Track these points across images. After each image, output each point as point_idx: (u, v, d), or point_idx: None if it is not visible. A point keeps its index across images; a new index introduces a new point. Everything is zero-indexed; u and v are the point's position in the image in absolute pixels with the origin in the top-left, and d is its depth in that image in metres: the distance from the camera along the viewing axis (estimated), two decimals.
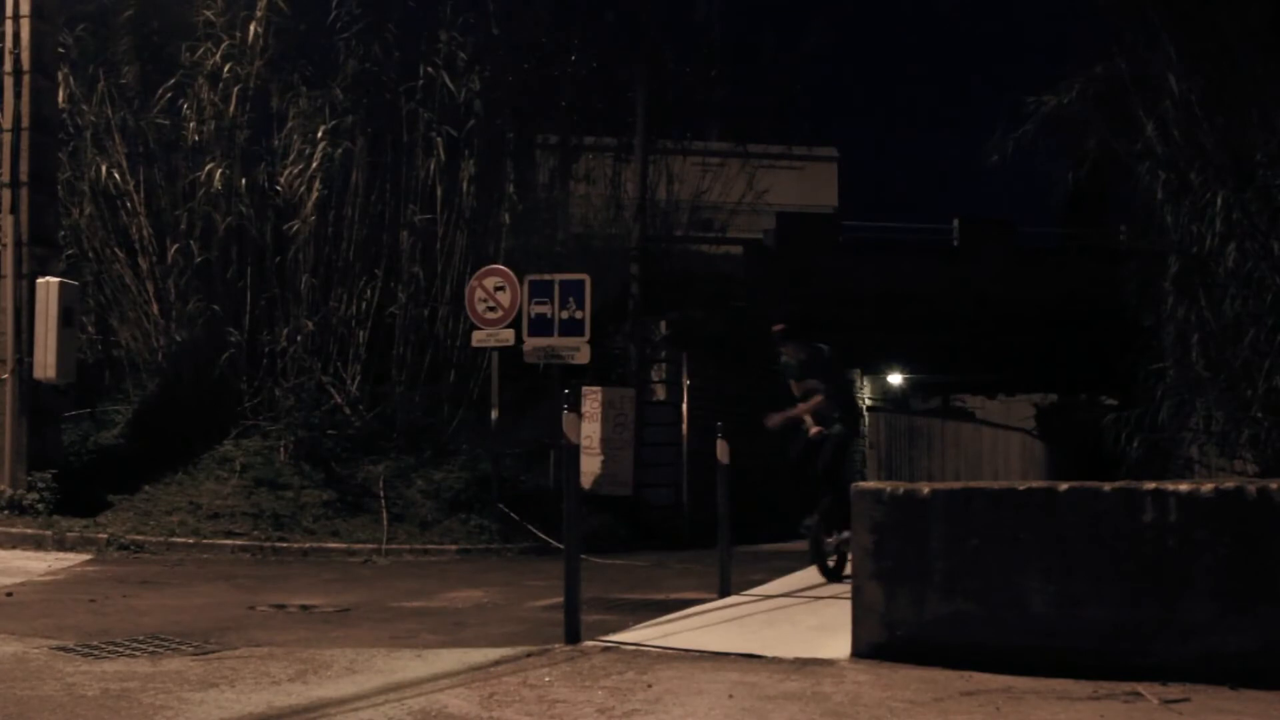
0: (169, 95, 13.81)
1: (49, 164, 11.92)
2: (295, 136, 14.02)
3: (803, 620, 6.82)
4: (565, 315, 13.42)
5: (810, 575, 9.40)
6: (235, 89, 13.81)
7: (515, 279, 13.36)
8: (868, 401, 27.05)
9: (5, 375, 11.27)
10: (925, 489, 5.36)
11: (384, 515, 12.32)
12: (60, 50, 12.80)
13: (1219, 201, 9.48)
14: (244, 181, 13.88)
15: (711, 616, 6.96)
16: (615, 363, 15.89)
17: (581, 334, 13.39)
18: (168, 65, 13.96)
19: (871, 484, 5.69)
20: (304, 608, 7.62)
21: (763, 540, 13.48)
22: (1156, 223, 10.61)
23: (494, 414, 13.26)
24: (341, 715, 4.24)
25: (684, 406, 15.78)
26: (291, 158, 13.97)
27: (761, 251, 21.00)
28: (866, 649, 5.29)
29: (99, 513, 11.24)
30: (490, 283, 13.36)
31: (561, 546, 6.36)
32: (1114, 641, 4.85)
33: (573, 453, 6.21)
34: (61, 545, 10.48)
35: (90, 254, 13.72)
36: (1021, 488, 5.25)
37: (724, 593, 7.95)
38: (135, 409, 13.39)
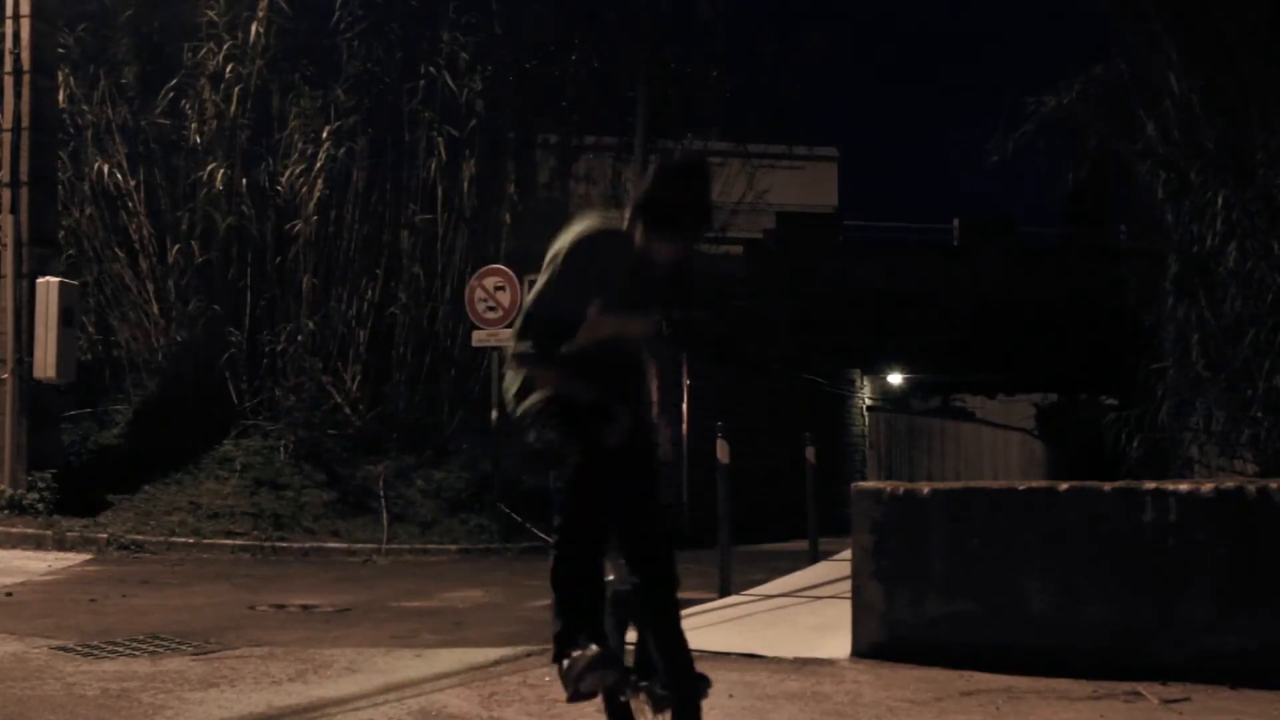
0: (170, 95, 13.82)
1: (49, 164, 11.93)
2: (297, 137, 14.02)
3: (803, 620, 6.82)
4: None
5: (810, 575, 9.40)
6: (236, 89, 13.81)
7: (515, 279, 13.35)
8: (868, 401, 27.05)
9: (5, 375, 11.27)
10: (925, 489, 5.37)
11: (384, 515, 12.32)
12: (60, 50, 12.81)
13: (1219, 201, 9.47)
14: (245, 182, 13.89)
15: (711, 616, 6.95)
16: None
17: None
18: (168, 65, 13.96)
19: (871, 484, 5.69)
20: (304, 608, 7.62)
21: (763, 540, 13.48)
22: (1156, 223, 10.60)
23: (494, 414, 13.26)
24: (342, 715, 4.24)
25: (684, 406, 15.78)
26: (294, 158, 13.97)
27: (762, 251, 21.00)
28: (866, 649, 5.29)
29: (99, 512, 11.24)
30: (490, 283, 13.35)
31: None
32: (1114, 641, 4.85)
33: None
34: (61, 545, 10.48)
35: (90, 254, 13.72)
36: (1021, 488, 5.25)
37: (724, 593, 7.95)
38: (135, 409, 13.39)
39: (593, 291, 3.38)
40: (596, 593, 3.70)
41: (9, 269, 11.40)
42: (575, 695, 3.42)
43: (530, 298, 3.45)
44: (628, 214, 3.43)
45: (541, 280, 3.42)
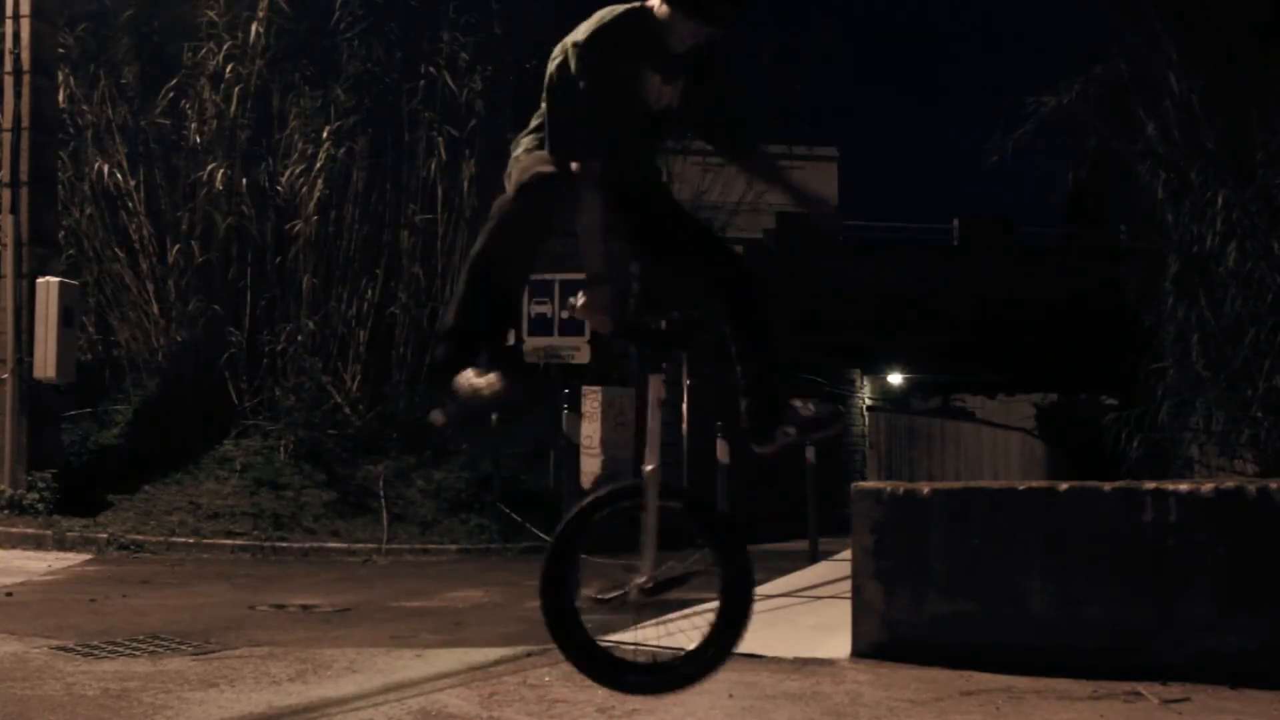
0: (170, 95, 13.82)
1: (49, 164, 11.93)
2: (297, 137, 14.03)
3: (803, 620, 6.81)
4: (565, 315, 13.42)
5: (810, 575, 9.39)
6: (236, 89, 13.82)
7: None
8: (868, 401, 27.05)
9: (5, 375, 11.27)
10: (925, 489, 5.37)
11: (384, 515, 12.32)
12: (60, 50, 12.81)
13: (1219, 201, 9.47)
14: (245, 182, 13.90)
15: (711, 616, 6.94)
16: (615, 363, 15.89)
17: (581, 334, 13.39)
18: (168, 65, 13.96)
19: (871, 484, 5.69)
20: (304, 608, 7.62)
21: (763, 540, 13.47)
22: (1156, 223, 10.59)
23: (494, 415, 13.25)
24: (341, 715, 4.24)
25: (684, 406, 15.77)
26: (294, 158, 13.98)
27: (761, 251, 20.98)
28: (866, 649, 5.29)
29: (99, 512, 11.24)
30: None
31: None
32: (1114, 641, 4.85)
33: (572, 452, 6.21)
34: (61, 545, 10.49)
35: (90, 254, 13.73)
36: (1021, 488, 5.25)
37: None
38: (135, 409, 13.39)
39: (633, 75, 3.28)
40: (507, 315, 3.58)
41: (9, 269, 11.40)
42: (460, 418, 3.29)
43: (558, 103, 3.28)
44: None
45: (579, 79, 3.22)
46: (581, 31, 3.28)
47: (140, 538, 10.87)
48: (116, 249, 13.72)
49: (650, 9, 3.29)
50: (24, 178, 11.43)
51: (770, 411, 3.68)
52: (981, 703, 4.42)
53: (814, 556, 10.70)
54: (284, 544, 11.38)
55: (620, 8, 3.30)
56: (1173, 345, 10.18)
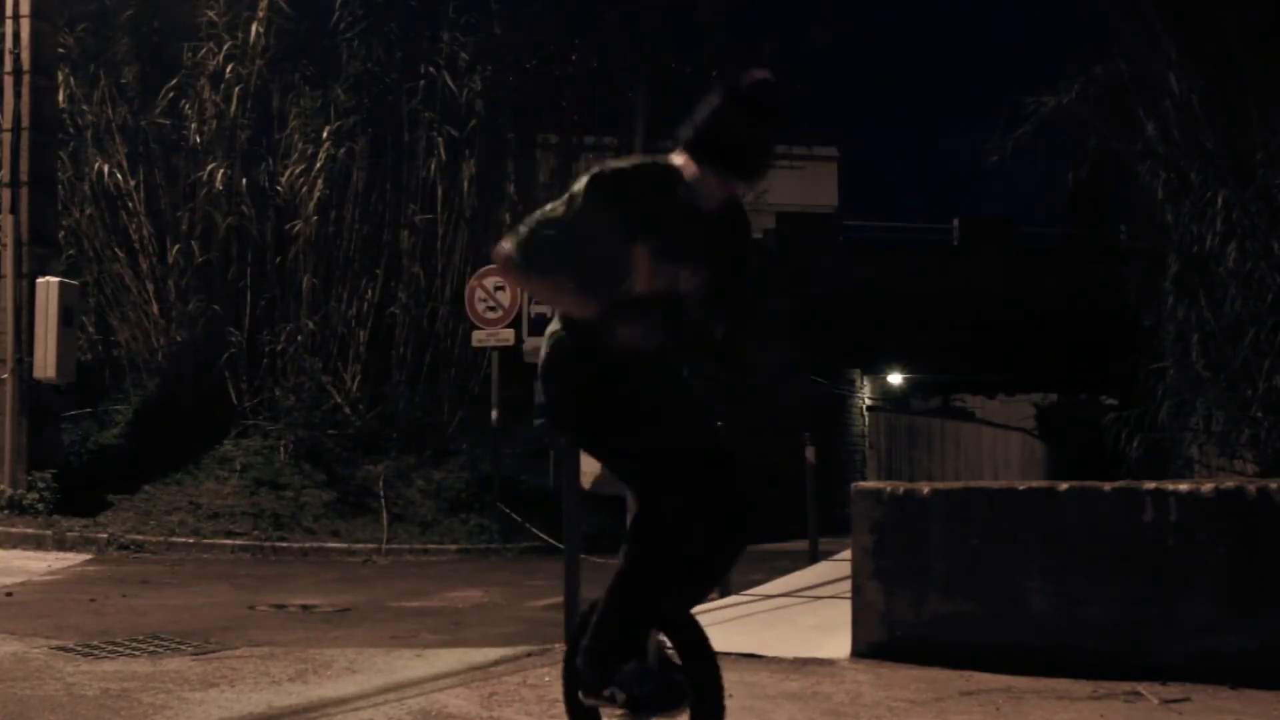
0: (170, 95, 13.83)
1: (49, 164, 11.93)
2: (297, 137, 14.04)
3: (802, 620, 6.82)
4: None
5: (810, 575, 9.40)
6: (236, 89, 13.82)
7: None
8: (868, 401, 27.05)
9: (5, 375, 11.27)
10: (925, 489, 5.37)
11: (384, 515, 12.32)
12: (60, 50, 12.81)
13: (1219, 201, 9.48)
14: (245, 182, 13.90)
15: (711, 616, 6.95)
16: None
17: None
18: (168, 65, 13.97)
19: (871, 484, 5.69)
20: (304, 608, 7.62)
21: (763, 540, 13.46)
22: (1156, 223, 10.60)
23: (494, 414, 13.26)
24: (341, 715, 4.24)
25: None
26: (294, 158, 13.98)
27: (761, 251, 20.98)
28: (866, 649, 5.29)
29: (99, 512, 11.25)
30: (490, 282, 13.35)
31: (562, 546, 6.36)
32: (1114, 641, 4.85)
33: (573, 453, 6.21)
34: (61, 545, 10.49)
35: (90, 254, 13.73)
36: (1021, 488, 5.25)
37: (724, 592, 7.94)
38: (135, 409, 13.40)
39: (632, 231, 2.99)
40: None
41: (9, 269, 11.41)
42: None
43: (544, 215, 3.07)
44: (680, 140, 3.02)
45: (561, 206, 3.03)
46: (590, 196, 3.02)
47: (140, 538, 10.87)
48: (116, 249, 13.73)
49: (678, 168, 3.04)
50: (24, 178, 11.44)
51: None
52: (981, 703, 4.42)
53: (814, 556, 10.70)
54: (284, 544, 11.38)
55: (644, 160, 3.08)
56: (1173, 345, 10.18)
